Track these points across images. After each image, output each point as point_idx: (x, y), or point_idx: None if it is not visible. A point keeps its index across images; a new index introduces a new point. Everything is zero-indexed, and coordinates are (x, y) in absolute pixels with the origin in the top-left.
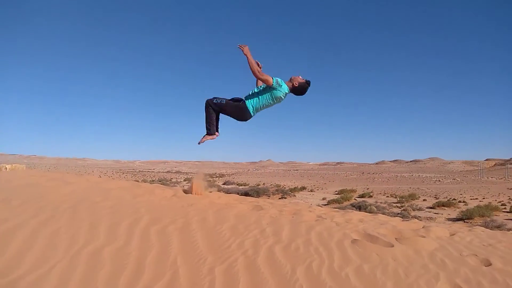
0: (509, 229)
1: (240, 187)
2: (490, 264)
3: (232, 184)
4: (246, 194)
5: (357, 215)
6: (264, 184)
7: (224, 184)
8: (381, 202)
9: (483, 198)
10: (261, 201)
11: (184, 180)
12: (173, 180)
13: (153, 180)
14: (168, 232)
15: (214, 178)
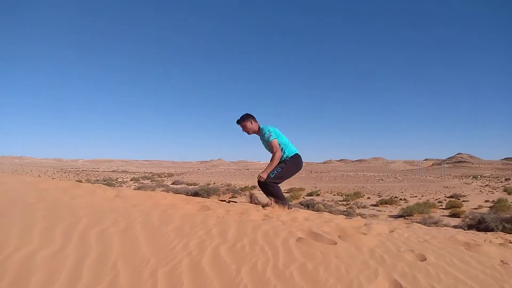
0: (444, 225)
1: (190, 186)
2: (425, 259)
3: (181, 183)
4: (195, 194)
5: (303, 213)
6: (214, 183)
7: (173, 183)
8: (328, 200)
9: (422, 196)
10: (208, 201)
11: (131, 180)
12: (119, 179)
13: (97, 180)
14: (109, 235)
15: (163, 178)
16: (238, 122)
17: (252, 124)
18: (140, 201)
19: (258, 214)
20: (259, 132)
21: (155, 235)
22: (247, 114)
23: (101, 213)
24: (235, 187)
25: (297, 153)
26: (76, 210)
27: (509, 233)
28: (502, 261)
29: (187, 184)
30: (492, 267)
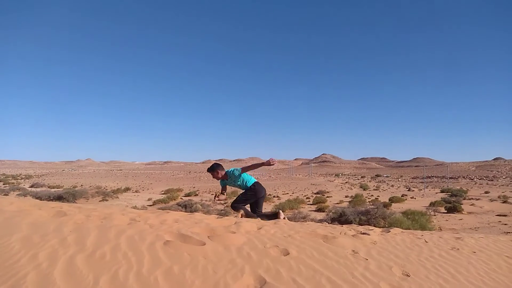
0: (312, 219)
1: (53, 190)
2: (288, 253)
3: (42, 186)
4: (59, 197)
5: (173, 215)
6: (82, 185)
7: (31, 186)
8: (206, 200)
9: (293, 193)
10: (66, 205)
11: None
12: None
13: None
14: None
15: (19, 180)
16: (209, 170)
17: (219, 173)
18: None
19: (123, 219)
20: (226, 176)
21: None
22: (216, 164)
23: None
24: (106, 189)
25: (256, 181)
26: None
27: (362, 225)
28: (353, 250)
29: (49, 187)
30: (345, 257)
